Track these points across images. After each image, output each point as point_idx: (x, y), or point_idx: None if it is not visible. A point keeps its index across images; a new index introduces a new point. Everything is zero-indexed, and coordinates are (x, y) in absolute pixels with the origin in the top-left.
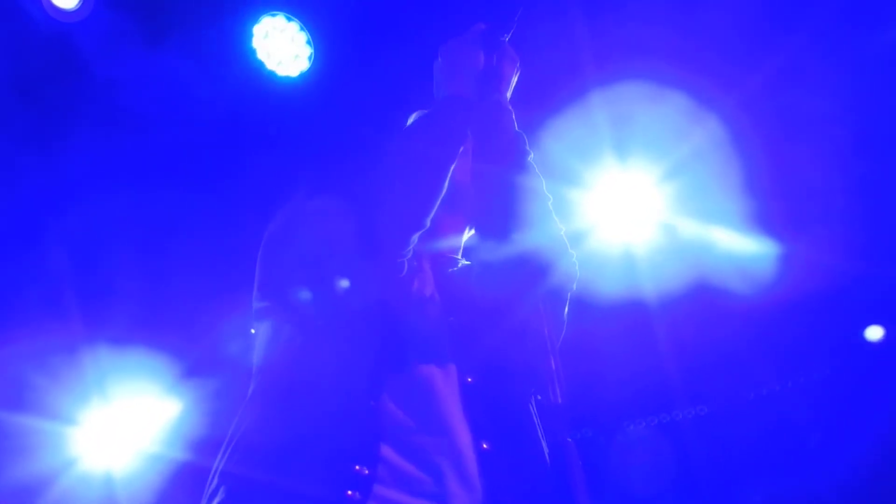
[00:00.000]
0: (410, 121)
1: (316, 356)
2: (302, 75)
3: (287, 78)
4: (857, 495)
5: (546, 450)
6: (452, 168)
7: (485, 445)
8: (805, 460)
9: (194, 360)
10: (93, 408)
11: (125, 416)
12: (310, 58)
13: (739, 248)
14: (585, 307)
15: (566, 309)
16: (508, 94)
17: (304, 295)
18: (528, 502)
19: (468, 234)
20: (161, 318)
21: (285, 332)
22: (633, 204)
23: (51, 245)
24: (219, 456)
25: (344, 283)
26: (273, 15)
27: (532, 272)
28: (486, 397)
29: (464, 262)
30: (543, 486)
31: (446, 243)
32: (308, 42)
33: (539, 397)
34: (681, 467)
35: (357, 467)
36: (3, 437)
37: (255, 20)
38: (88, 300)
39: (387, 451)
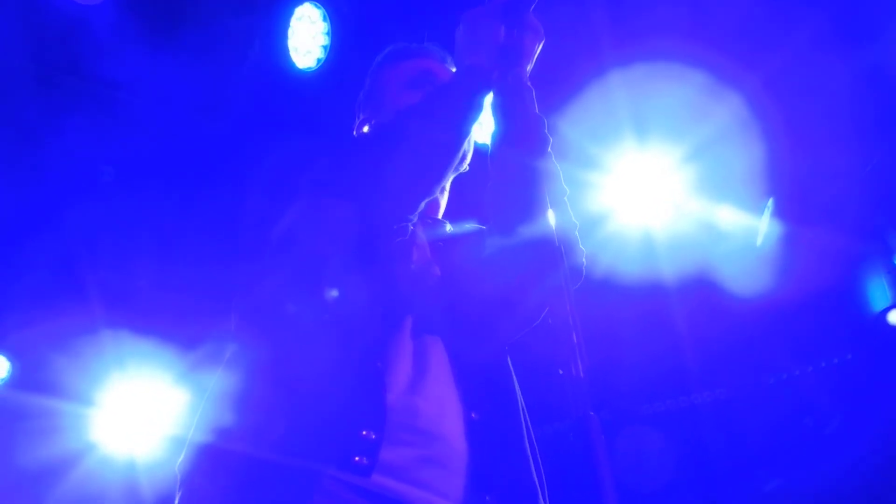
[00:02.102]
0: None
1: (318, 325)
2: (317, 68)
3: (301, 71)
4: (877, 480)
5: (526, 422)
6: (467, 139)
7: (474, 415)
8: (825, 445)
9: (218, 341)
10: (115, 390)
11: (147, 398)
12: (324, 47)
13: (759, 230)
14: (604, 289)
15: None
16: (529, 68)
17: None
18: (509, 473)
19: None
20: (183, 301)
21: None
22: (653, 186)
23: (71, 229)
24: (219, 428)
25: (334, 293)
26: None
27: (544, 261)
28: (473, 369)
29: (449, 226)
30: (523, 460)
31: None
32: (326, 32)
33: (561, 372)
34: (698, 450)
35: (364, 432)
36: (25, 418)
37: (279, 11)
38: (110, 282)
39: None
